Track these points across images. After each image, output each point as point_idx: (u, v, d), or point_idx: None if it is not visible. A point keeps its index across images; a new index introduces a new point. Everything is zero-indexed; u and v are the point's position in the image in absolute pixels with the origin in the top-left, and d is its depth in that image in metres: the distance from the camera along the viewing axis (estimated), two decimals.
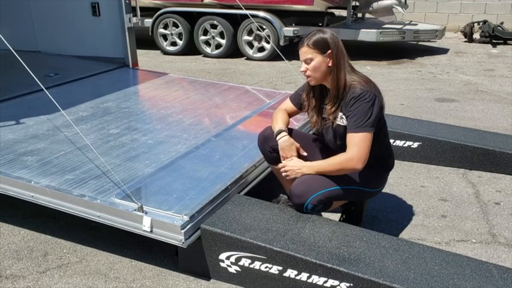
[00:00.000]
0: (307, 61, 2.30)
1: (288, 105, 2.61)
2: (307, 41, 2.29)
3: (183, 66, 7.23)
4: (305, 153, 2.49)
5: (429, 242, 2.62)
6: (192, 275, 2.35)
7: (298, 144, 2.47)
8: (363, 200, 2.61)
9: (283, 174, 2.43)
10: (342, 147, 2.41)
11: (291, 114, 2.62)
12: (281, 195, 2.69)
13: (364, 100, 2.23)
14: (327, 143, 2.51)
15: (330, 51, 2.26)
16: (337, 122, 2.34)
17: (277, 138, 2.46)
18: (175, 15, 7.85)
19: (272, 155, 2.56)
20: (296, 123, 3.27)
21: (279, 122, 2.52)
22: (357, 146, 2.23)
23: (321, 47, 2.27)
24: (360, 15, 8.28)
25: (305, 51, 2.29)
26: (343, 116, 2.31)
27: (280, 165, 2.45)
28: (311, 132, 2.67)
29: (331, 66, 2.28)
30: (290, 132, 2.53)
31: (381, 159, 2.42)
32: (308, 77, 2.34)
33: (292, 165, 2.39)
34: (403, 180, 3.32)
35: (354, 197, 2.51)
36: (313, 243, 2.15)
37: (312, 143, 2.59)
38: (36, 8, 5.31)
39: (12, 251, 2.57)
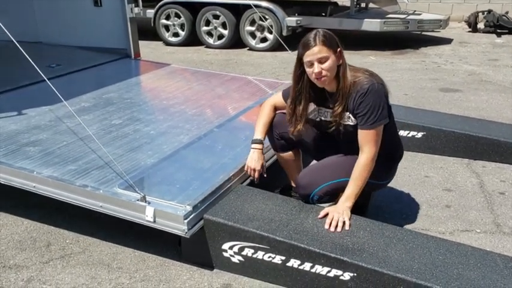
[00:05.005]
0: (322, 60, 2.13)
1: (279, 100, 2.52)
2: (318, 39, 2.12)
3: (185, 57, 7.21)
4: (265, 175, 2.48)
5: (433, 232, 2.61)
6: (195, 265, 2.35)
7: (263, 162, 2.49)
8: (370, 191, 2.58)
9: (332, 229, 2.16)
10: (346, 143, 2.38)
11: (280, 109, 2.55)
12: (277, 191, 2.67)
13: (374, 92, 2.16)
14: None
15: (339, 49, 2.17)
16: (346, 123, 2.27)
17: (251, 146, 2.49)
18: (178, 5, 7.81)
19: (280, 142, 2.54)
20: None
21: (260, 127, 2.50)
22: (372, 141, 2.20)
23: (333, 44, 2.15)
24: (363, 5, 8.21)
25: (319, 50, 2.11)
26: (350, 115, 2.24)
27: (327, 224, 2.19)
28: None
29: (339, 65, 2.19)
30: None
31: (389, 150, 2.37)
32: (322, 78, 2.16)
33: (333, 210, 2.21)
34: (407, 171, 3.30)
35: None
36: (316, 233, 2.15)
37: (317, 139, 2.53)
38: None
39: (15, 242, 2.58)
